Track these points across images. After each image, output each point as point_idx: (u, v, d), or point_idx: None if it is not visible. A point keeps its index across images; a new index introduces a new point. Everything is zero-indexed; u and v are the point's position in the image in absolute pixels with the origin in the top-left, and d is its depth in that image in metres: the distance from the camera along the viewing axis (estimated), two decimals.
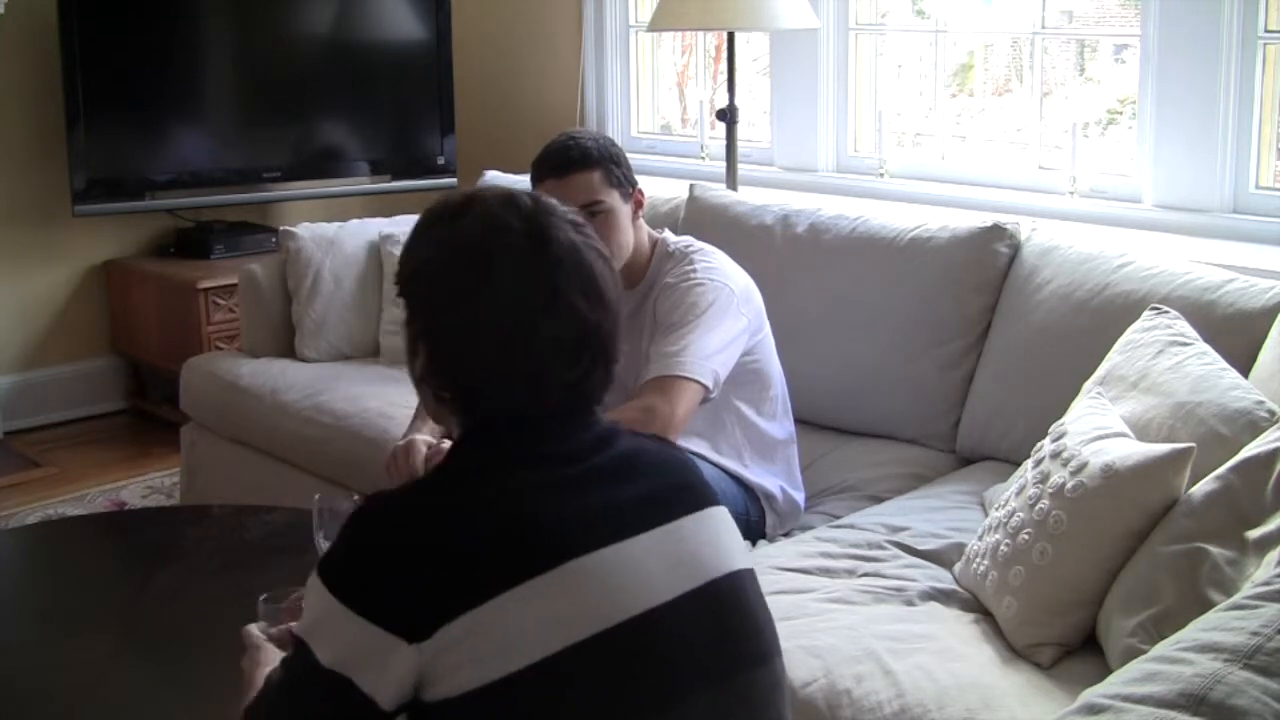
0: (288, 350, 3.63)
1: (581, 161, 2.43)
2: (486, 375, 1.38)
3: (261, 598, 1.79)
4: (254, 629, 1.69)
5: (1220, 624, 1.18)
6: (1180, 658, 1.13)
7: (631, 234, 2.50)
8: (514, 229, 1.38)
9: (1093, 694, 1.15)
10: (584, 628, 1.27)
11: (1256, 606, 1.18)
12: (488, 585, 1.26)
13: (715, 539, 1.42)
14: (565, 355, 1.38)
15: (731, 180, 3.67)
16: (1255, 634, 1.13)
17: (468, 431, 1.42)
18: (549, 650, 1.25)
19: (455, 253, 1.40)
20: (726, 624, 1.39)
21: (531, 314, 1.36)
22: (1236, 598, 1.25)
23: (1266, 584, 1.22)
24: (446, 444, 2.43)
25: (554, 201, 1.44)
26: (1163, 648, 1.19)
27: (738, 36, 3.70)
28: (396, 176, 4.64)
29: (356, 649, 1.27)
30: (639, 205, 2.51)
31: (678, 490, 1.43)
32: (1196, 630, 1.20)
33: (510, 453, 1.37)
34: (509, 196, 1.43)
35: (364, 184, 4.65)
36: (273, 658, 1.57)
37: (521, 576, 1.27)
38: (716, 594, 1.38)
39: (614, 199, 2.45)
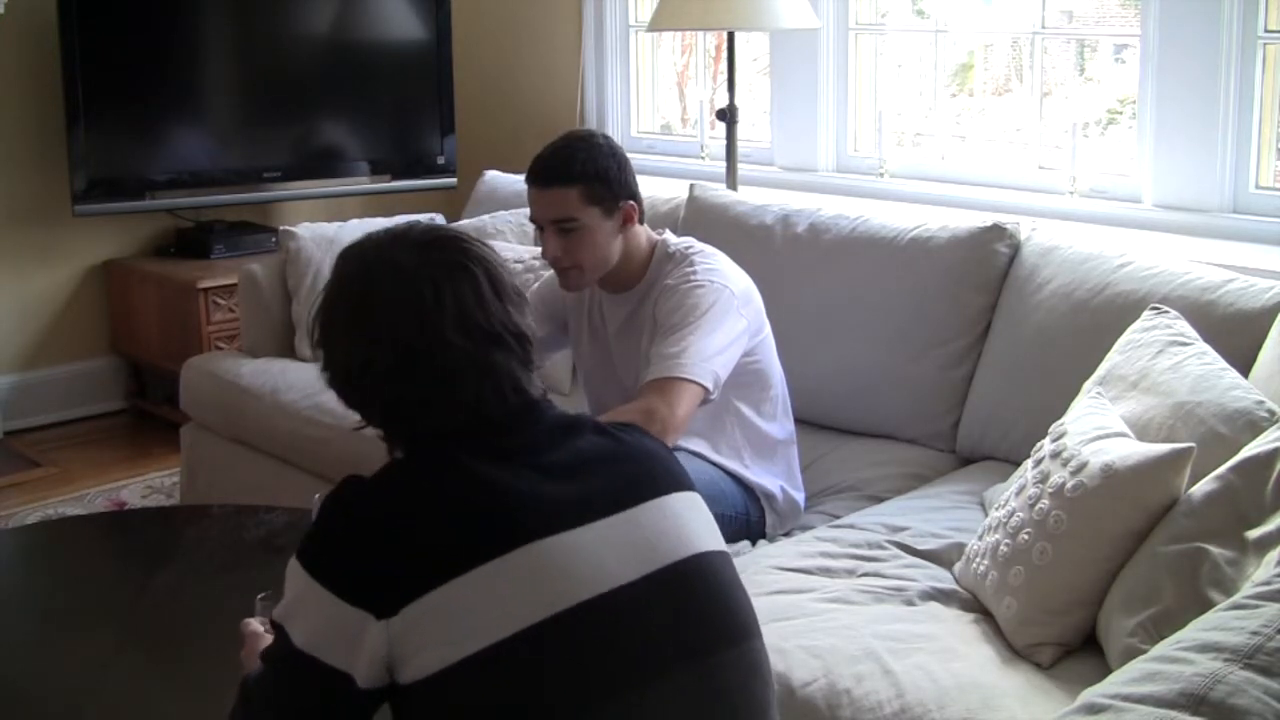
0: (288, 350, 3.63)
1: (561, 177, 2.41)
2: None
3: (260, 596, 1.81)
4: (253, 622, 1.73)
5: (1220, 624, 1.18)
6: (1180, 657, 1.13)
7: (611, 249, 2.48)
8: (349, 271, 1.51)
9: (1092, 694, 1.15)
10: (540, 610, 1.31)
11: (1256, 606, 1.18)
12: (449, 565, 1.31)
13: (677, 523, 1.44)
14: (404, 379, 1.44)
15: (731, 180, 3.67)
16: (1255, 634, 1.13)
17: (428, 431, 1.46)
18: (506, 632, 1.29)
19: (319, 311, 1.52)
20: (690, 606, 1.41)
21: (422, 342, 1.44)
22: (1236, 597, 1.25)
23: (1266, 584, 1.23)
24: None
25: (421, 226, 1.52)
26: (1163, 647, 1.19)
27: (738, 36, 3.70)
28: (396, 176, 4.64)
29: (331, 626, 1.32)
30: (628, 219, 2.49)
31: (637, 478, 1.46)
32: (1196, 630, 1.20)
33: (469, 445, 1.42)
34: (382, 234, 1.52)
35: (364, 184, 4.65)
36: None
37: (481, 558, 1.31)
38: (678, 577, 1.40)
39: (591, 216, 2.43)
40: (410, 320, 1.42)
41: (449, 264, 1.45)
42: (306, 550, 1.38)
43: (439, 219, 3.86)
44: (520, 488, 1.38)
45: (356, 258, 1.49)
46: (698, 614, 1.41)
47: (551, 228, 2.44)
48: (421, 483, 1.39)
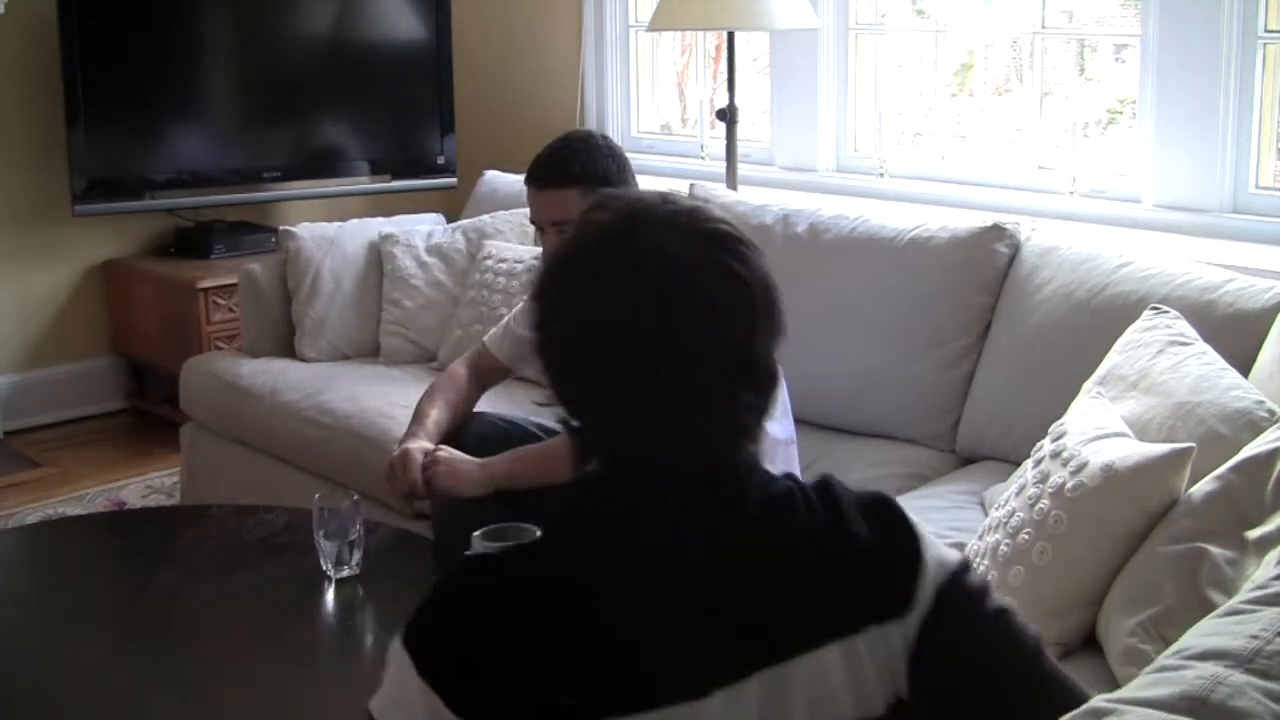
0: (288, 350, 3.63)
1: (560, 178, 2.42)
2: (582, 404, 1.21)
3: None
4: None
5: (1218, 629, 1.18)
6: (1181, 665, 1.14)
7: None
8: (612, 238, 1.20)
9: (1098, 699, 1.15)
10: None
11: (1254, 611, 1.19)
12: (573, 714, 1.11)
13: (826, 691, 1.16)
14: (634, 393, 1.17)
15: (731, 180, 3.67)
16: (1254, 637, 1.13)
17: (579, 485, 1.23)
18: None
19: (557, 260, 1.24)
20: None
21: (603, 335, 1.17)
22: (1234, 601, 1.25)
23: (1263, 587, 1.23)
24: (443, 451, 2.44)
25: (692, 205, 1.23)
26: (1165, 658, 1.19)
27: (738, 36, 3.70)
28: (396, 176, 4.64)
29: None
30: None
31: (812, 610, 1.17)
32: (1196, 637, 1.21)
33: (645, 517, 1.17)
34: (636, 200, 1.23)
35: (364, 184, 4.65)
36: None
37: (612, 713, 1.10)
38: None
39: None
40: (665, 321, 1.16)
41: (728, 269, 1.18)
42: (415, 632, 1.15)
43: (440, 219, 3.86)
44: (653, 628, 1.13)
45: (622, 222, 1.20)
46: None
47: (552, 229, 2.45)
48: (542, 607, 1.14)
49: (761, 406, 1.21)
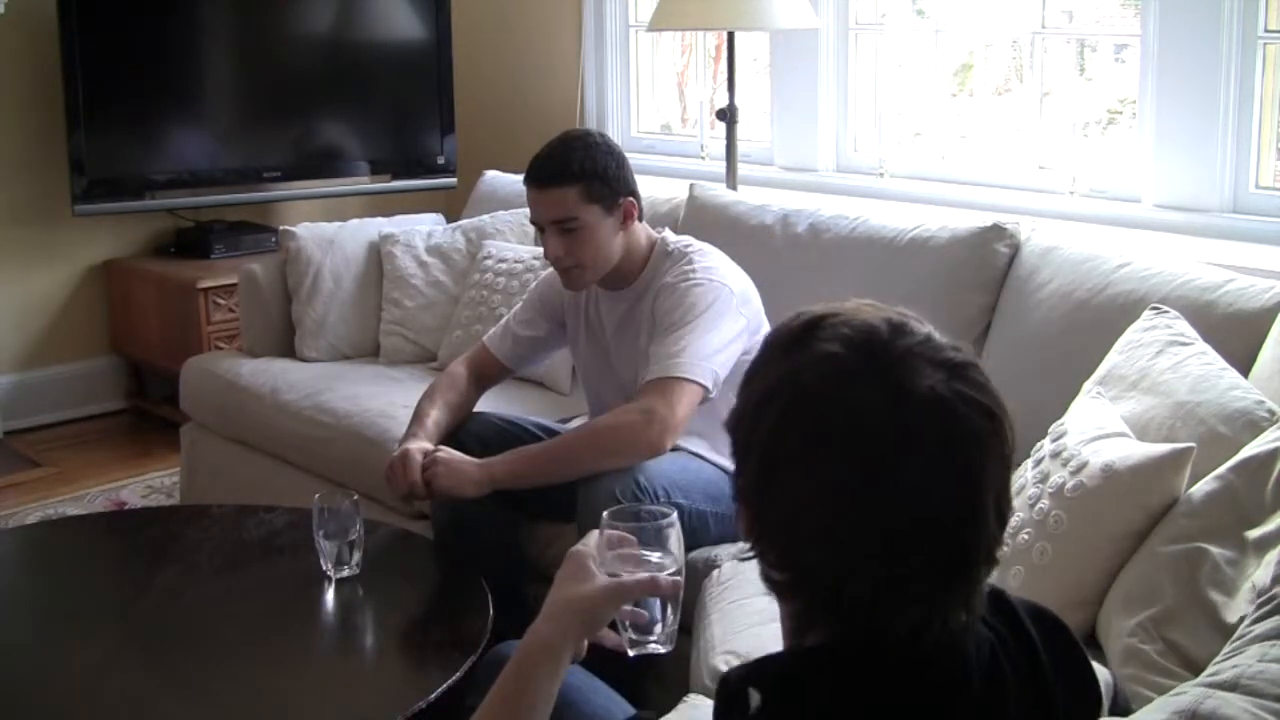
0: (288, 350, 3.63)
1: (559, 177, 2.43)
2: (816, 567, 1.05)
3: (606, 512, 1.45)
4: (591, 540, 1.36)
5: (1206, 678, 1.26)
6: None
7: (613, 246, 2.49)
8: (860, 375, 1.04)
9: None
10: None
11: (1230, 655, 1.29)
12: None
13: None
14: (899, 555, 1.02)
15: (731, 180, 3.67)
16: (1234, 666, 1.24)
17: (801, 660, 1.09)
18: None
19: (791, 397, 1.07)
20: None
21: (860, 488, 1.02)
22: (1213, 663, 1.33)
23: (1239, 636, 1.33)
24: (442, 451, 2.44)
25: (924, 331, 1.08)
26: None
27: (738, 36, 3.70)
28: (396, 176, 4.64)
29: None
30: (629, 216, 2.50)
31: None
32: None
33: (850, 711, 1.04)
34: (862, 328, 1.08)
35: (364, 184, 4.65)
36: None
37: None
38: None
39: (591, 214, 2.44)
40: (930, 470, 1.01)
41: (978, 403, 1.04)
42: None
43: (440, 219, 3.86)
44: None
45: (861, 355, 1.05)
46: None
47: (553, 228, 2.45)
48: None
49: (1001, 540, 1.06)
